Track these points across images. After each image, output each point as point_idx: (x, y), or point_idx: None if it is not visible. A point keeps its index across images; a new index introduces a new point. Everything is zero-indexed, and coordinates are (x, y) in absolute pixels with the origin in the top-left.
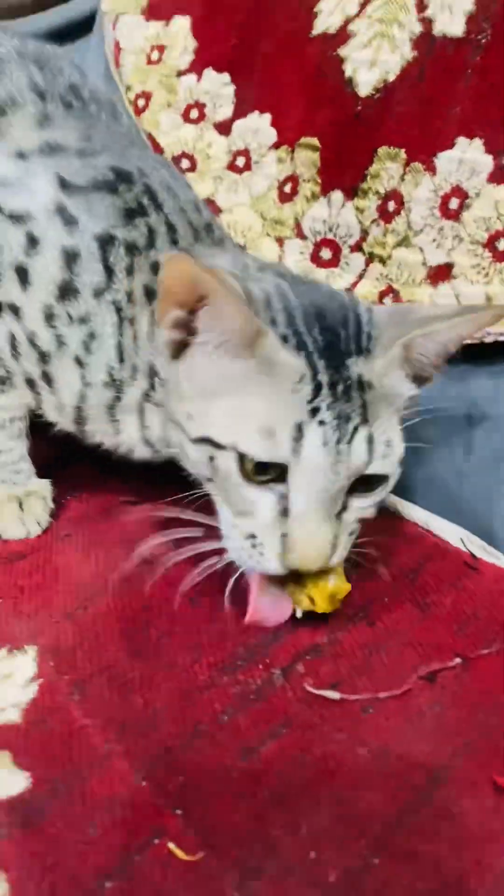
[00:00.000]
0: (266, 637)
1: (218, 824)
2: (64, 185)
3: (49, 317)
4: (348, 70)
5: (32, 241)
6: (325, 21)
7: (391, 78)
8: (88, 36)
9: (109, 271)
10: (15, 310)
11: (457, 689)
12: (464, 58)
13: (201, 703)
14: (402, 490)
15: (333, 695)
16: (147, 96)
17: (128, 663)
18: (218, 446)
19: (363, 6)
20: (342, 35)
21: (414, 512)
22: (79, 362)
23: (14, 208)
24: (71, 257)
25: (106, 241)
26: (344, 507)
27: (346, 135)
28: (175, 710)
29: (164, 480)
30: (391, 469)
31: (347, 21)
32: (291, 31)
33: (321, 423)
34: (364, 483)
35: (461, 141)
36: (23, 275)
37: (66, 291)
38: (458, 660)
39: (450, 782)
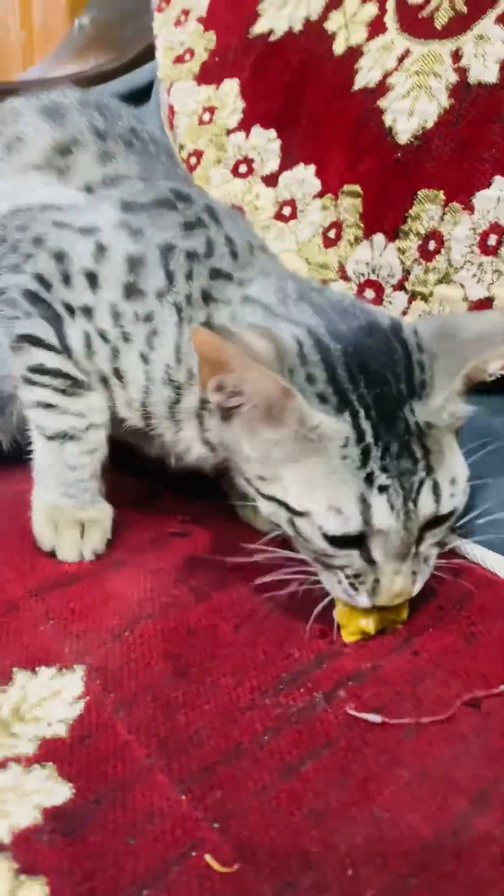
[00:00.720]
0: (309, 663)
1: (255, 839)
2: (127, 206)
3: (116, 315)
4: (388, 120)
5: (101, 249)
6: (366, 76)
7: (429, 125)
8: (147, 104)
9: (170, 276)
10: (87, 311)
11: (503, 716)
12: (498, 102)
13: (243, 723)
14: None
15: (375, 718)
16: (199, 154)
17: (172, 683)
18: (296, 513)
19: (401, 60)
20: (382, 88)
21: (460, 543)
22: (143, 358)
23: (83, 224)
24: (136, 261)
25: (167, 250)
26: (420, 541)
27: (387, 180)
28: (217, 729)
29: (213, 513)
30: (460, 502)
31: (386, 75)
32: (334, 86)
33: (381, 489)
34: (434, 518)
35: (498, 180)
36: (92, 279)
37: (132, 292)
38: (503, 687)
39: (492, 806)
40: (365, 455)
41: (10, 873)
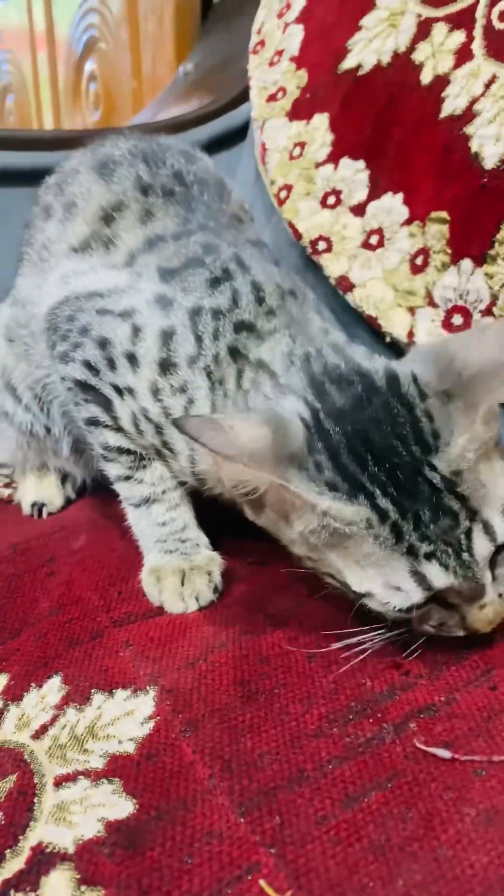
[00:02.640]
0: (381, 693)
1: (311, 867)
2: (163, 275)
3: (155, 391)
4: (474, 146)
5: (136, 331)
6: (453, 104)
7: None
8: (243, 142)
9: (199, 339)
10: (130, 391)
11: None
12: None
13: (308, 750)
14: None
15: (444, 753)
16: (288, 188)
17: (240, 708)
18: (359, 594)
19: (488, 86)
20: (468, 115)
21: None
22: None
23: (122, 308)
24: (168, 335)
25: (195, 314)
26: (494, 566)
27: (474, 206)
28: (281, 755)
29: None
30: None
31: (473, 101)
32: (422, 116)
33: (429, 556)
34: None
35: None
36: (133, 360)
37: (167, 367)
38: None
39: None
40: (397, 532)
41: (72, 883)
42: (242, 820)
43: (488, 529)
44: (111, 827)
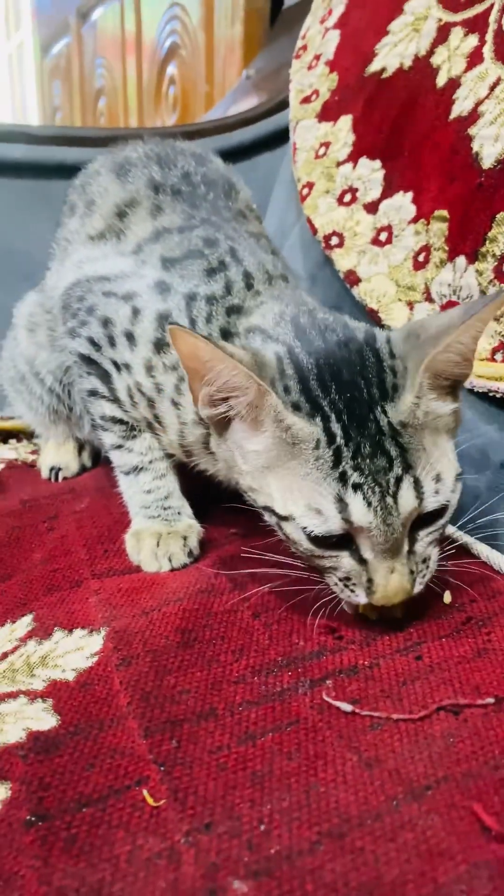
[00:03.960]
0: (310, 653)
1: (191, 785)
2: (165, 263)
3: (149, 368)
4: (476, 146)
5: (136, 312)
6: (461, 105)
7: None
8: (287, 144)
9: (192, 323)
10: (127, 367)
11: (479, 726)
12: None
13: (225, 693)
14: (496, 541)
15: (345, 706)
16: (310, 186)
17: (174, 651)
18: (282, 517)
19: (492, 88)
20: (473, 116)
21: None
22: (174, 404)
23: (125, 291)
24: (164, 317)
25: (191, 299)
26: (413, 540)
27: (470, 204)
28: (199, 695)
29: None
30: (446, 499)
31: (478, 103)
32: (434, 117)
33: (356, 487)
34: (425, 517)
35: None
36: (131, 339)
37: (161, 346)
38: (490, 699)
39: (427, 801)
40: (337, 456)
41: None
42: (144, 741)
43: (418, 486)
44: (32, 736)
